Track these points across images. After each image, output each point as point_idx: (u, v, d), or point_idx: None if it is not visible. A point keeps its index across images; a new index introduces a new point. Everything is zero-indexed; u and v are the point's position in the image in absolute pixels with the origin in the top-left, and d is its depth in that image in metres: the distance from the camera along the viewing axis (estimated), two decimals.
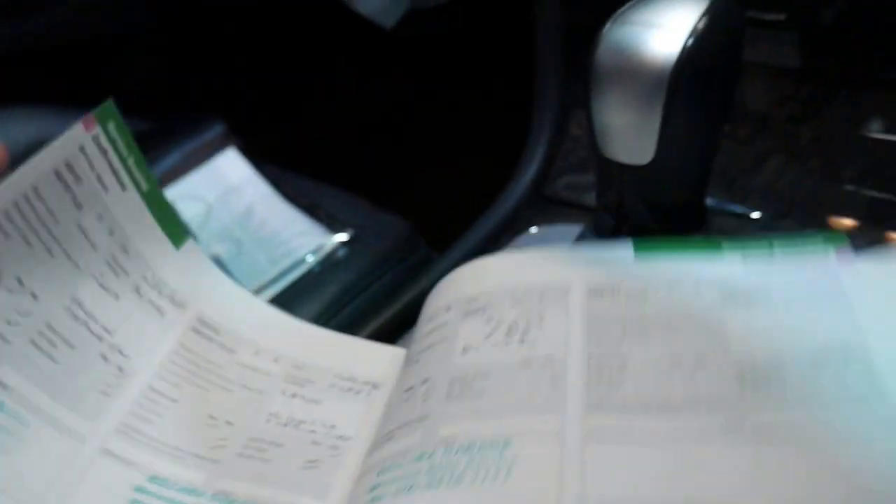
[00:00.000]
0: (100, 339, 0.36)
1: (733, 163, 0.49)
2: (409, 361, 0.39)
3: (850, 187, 0.44)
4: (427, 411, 0.33)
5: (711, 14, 0.36)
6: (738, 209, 0.48)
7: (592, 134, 0.40)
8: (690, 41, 0.35)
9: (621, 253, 0.36)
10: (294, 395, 0.38)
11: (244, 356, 0.40)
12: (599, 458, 0.28)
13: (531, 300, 0.36)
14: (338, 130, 1.01)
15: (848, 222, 0.44)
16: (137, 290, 0.38)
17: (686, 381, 0.30)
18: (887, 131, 0.43)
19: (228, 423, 0.37)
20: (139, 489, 0.33)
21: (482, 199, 0.58)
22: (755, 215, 0.47)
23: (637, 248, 0.36)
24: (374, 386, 0.39)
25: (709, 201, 0.49)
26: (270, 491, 0.33)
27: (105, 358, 0.36)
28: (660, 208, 0.40)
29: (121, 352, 0.37)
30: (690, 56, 0.36)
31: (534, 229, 0.54)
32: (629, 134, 0.38)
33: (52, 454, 0.33)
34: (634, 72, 0.37)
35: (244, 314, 0.42)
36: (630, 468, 0.27)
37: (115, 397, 0.36)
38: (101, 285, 0.37)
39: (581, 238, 0.44)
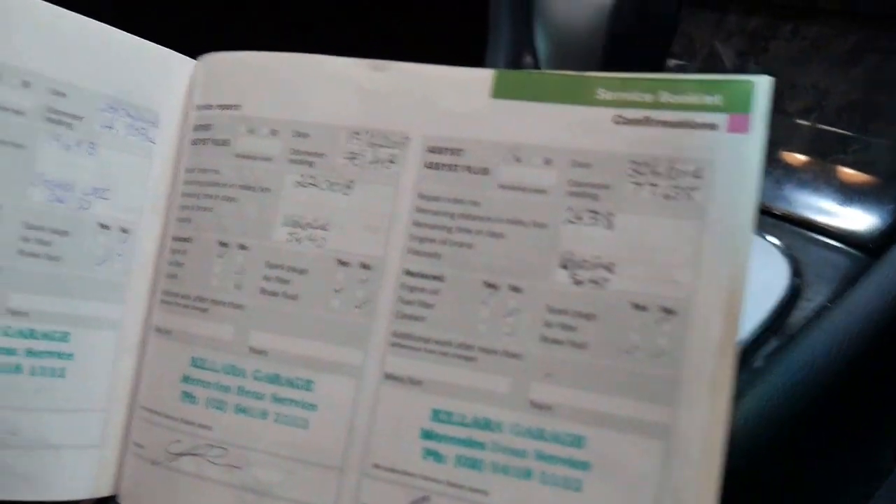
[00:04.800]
0: None
1: None
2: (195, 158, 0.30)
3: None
4: (242, 300, 0.28)
5: None
6: None
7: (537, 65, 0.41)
8: None
9: (477, 90, 0.27)
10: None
11: None
12: (390, 408, 0.26)
13: (363, 154, 0.28)
14: None
15: None
16: None
17: (491, 322, 0.25)
18: None
19: None
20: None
21: None
22: None
23: (497, 86, 0.27)
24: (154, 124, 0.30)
25: None
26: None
27: None
28: None
29: None
30: None
31: None
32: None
33: None
34: None
35: None
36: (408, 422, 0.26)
37: None
38: None
39: None
